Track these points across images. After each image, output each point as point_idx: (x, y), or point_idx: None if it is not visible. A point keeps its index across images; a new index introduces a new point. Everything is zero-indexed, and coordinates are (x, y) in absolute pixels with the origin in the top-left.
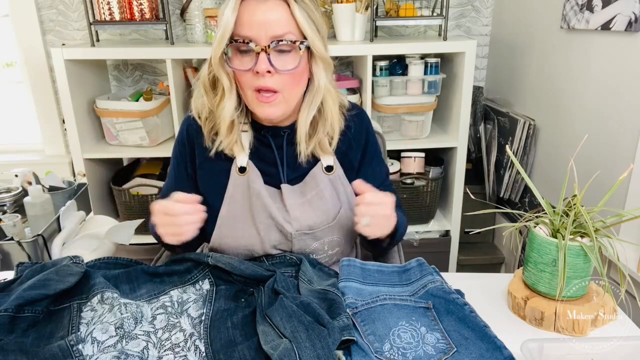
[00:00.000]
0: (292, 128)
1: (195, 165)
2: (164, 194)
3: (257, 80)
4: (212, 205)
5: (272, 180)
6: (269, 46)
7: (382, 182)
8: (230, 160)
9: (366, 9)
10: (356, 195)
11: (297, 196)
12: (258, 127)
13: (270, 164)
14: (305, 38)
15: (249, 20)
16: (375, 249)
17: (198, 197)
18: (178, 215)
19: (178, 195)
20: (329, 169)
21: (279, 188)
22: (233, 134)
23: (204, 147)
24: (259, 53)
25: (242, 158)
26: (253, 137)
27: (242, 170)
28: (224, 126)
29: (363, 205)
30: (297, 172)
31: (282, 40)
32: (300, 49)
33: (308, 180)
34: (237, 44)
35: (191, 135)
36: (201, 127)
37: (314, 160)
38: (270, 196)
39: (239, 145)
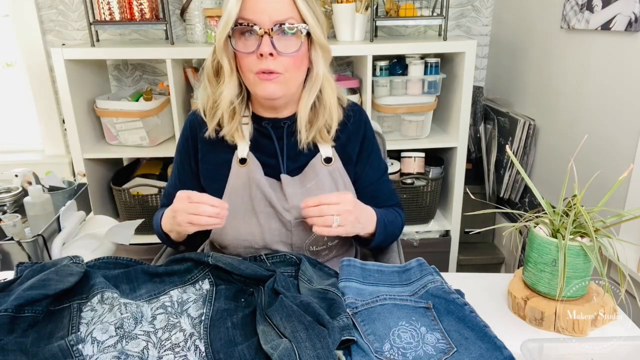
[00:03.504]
0: (292, 119)
1: (198, 159)
2: (167, 190)
3: (260, 63)
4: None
5: (272, 171)
6: (272, 29)
7: (380, 176)
8: (231, 152)
9: (366, 9)
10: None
11: (296, 186)
12: (258, 119)
13: (271, 155)
14: (306, 23)
15: (253, 6)
16: (367, 247)
17: (226, 204)
18: (201, 203)
19: (208, 196)
20: (328, 160)
21: (279, 179)
22: (234, 122)
23: (206, 141)
24: (262, 36)
25: (242, 149)
26: (253, 128)
27: (243, 161)
28: (225, 111)
29: (325, 207)
30: (297, 163)
31: (284, 24)
32: (302, 33)
33: (307, 170)
34: (242, 27)
35: (194, 129)
36: (204, 121)
37: (313, 151)
38: (270, 186)
39: (239, 134)
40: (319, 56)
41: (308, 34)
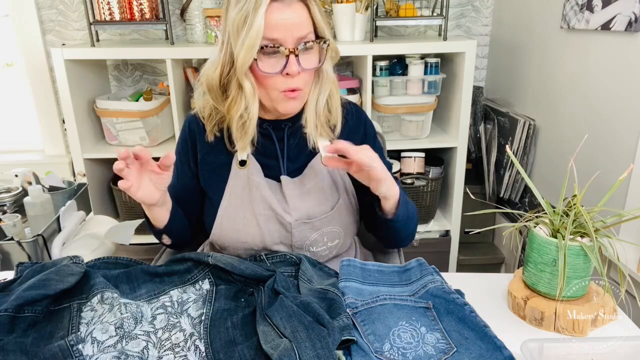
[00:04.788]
0: (293, 120)
1: (197, 161)
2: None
3: (286, 81)
4: (213, 199)
5: (272, 173)
6: (297, 48)
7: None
8: (230, 154)
9: (366, 9)
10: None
11: (296, 187)
12: (259, 121)
13: (271, 157)
14: (318, 34)
15: (276, 25)
16: (391, 219)
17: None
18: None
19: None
20: None
21: (279, 180)
22: (248, 136)
23: (205, 143)
24: (288, 56)
25: (243, 152)
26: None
27: (243, 163)
28: (237, 129)
29: (356, 152)
30: (297, 164)
31: (308, 42)
32: (323, 48)
33: (307, 171)
34: (267, 49)
35: (193, 132)
36: (203, 123)
37: (313, 152)
38: (270, 188)
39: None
40: (328, 59)
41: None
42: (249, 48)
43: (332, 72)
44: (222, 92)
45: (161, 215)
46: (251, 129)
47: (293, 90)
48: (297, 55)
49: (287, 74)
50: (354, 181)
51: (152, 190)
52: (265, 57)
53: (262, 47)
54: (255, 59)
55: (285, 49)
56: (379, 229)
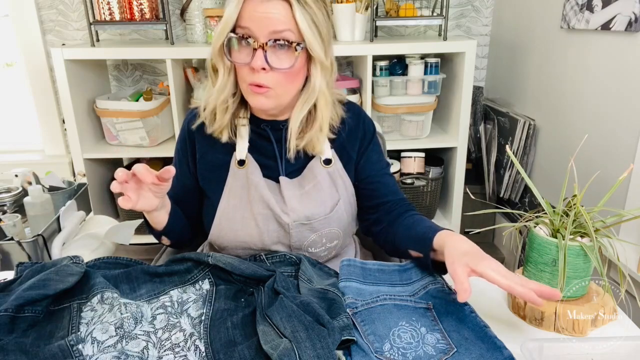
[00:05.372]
0: None
1: (196, 160)
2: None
3: (252, 75)
4: (212, 199)
5: (271, 173)
6: (266, 43)
7: (383, 168)
8: (229, 153)
9: (366, 9)
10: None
11: (295, 188)
12: (257, 121)
13: (270, 158)
14: (303, 40)
15: (251, 15)
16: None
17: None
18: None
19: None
20: (327, 162)
21: (277, 181)
22: (223, 119)
23: (204, 142)
24: (256, 50)
25: (241, 151)
26: (252, 130)
27: (241, 163)
28: (218, 107)
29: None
30: (296, 165)
31: (279, 39)
32: (296, 50)
33: (306, 173)
34: (237, 36)
35: (192, 130)
36: (202, 121)
37: (312, 153)
38: (269, 188)
39: (228, 132)
40: (317, 71)
41: (306, 50)
42: (219, 33)
43: (320, 84)
44: (214, 76)
45: (160, 218)
46: (227, 116)
47: (259, 86)
48: (265, 51)
49: (252, 68)
50: (354, 183)
51: (151, 198)
52: (240, 47)
53: (234, 33)
54: (228, 47)
55: (254, 41)
56: (400, 254)
